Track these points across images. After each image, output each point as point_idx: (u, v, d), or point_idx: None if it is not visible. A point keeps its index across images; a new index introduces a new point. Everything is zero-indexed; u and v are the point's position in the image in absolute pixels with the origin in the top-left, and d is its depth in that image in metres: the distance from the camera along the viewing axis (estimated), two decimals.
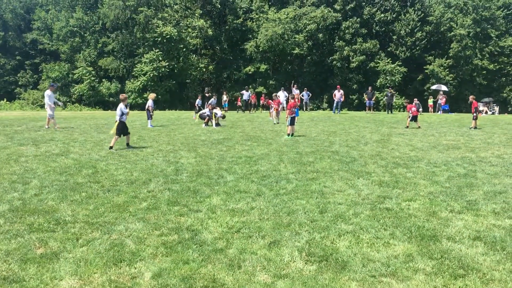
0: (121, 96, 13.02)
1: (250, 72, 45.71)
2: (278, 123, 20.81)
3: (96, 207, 6.63)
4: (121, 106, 12.42)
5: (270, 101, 26.87)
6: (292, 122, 15.59)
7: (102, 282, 4.22)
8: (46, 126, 17.82)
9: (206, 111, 20.00)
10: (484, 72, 45.57)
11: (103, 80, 46.62)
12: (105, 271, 4.45)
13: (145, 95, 41.88)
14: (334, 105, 31.42)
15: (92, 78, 45.07)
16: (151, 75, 42.13)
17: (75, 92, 45.15)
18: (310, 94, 34.09)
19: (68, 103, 45.71)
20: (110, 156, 11.08)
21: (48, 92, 18.42)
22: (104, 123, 20.82)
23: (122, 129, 12.48)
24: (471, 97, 20.85)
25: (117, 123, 12.38)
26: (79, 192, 7.49)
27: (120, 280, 4.28)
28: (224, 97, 34.57)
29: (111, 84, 46.04)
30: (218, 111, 19.93)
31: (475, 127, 19.18)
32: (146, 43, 44.37)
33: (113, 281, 4.25)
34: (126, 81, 45.22)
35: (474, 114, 19.79)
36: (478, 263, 4.71)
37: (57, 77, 46.24)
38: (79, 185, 7.97)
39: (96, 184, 8.11)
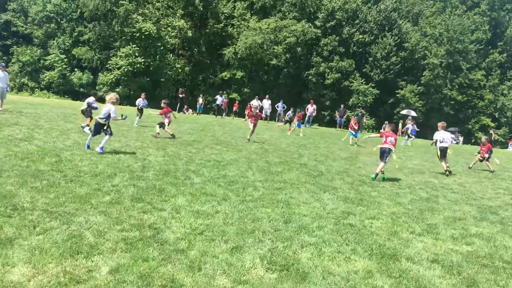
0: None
1: (226, 78, 45.67)
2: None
3: (56, 196, 6.43)
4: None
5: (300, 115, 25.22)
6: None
7: (56, 273, 4.08)
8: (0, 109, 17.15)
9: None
10: (452, 102, 47.01)
11: (75, 69, 45.66)
12: (61, 262, 4.31)
13: (117, 90, 41.25)
14: (306, 119, 31.73)
15: (64, 66, 44.07)
16: (126, 69, 41.50)
17: (45, 79, 44.02)
18: (285, 106, 34.29)
19: (36, 90, 44.57)
20: (76, 147, 10.81)
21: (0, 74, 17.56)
22: (71, 113, 20.32)
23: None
24: (484, 138, 17.14)
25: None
26: (40, 179, 7.25)
27: (76, 272, 4.15)
28: (200, 100, 34.54)
29: (83, 74, 45.14)
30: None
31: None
32: (123, 37, 43.73)
33: (68, 272, 4.11)
34: (99, 73, 44.44)
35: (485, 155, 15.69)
36: (435, 285, 4.79)
37: (28, 62, 45.04)
38: (41, 173, 7.72)
39: (59, 173, 7.87)
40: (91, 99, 15.19)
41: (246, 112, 33.70)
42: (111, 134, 10.81)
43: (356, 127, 20.94)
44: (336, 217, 7.05)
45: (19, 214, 5.50)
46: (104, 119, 10.68)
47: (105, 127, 10.68)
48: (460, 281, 4.99)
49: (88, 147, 10.64)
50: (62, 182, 7.28)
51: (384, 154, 11.16)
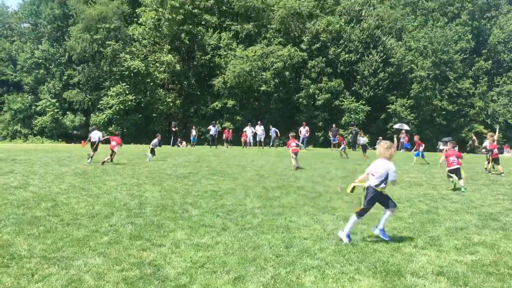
0: None
1: (217, 108, 45.91)
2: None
3: (54, 241, 6.37)
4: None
5: (342, 138, 24.92)
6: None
7: None
8: None
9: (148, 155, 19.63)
10: (444, 112, 47.31)
11: (67, 112, 45.88)
12: None
13: (110, 129, 41.34)
14: (300, 141, 31.80)
15: (56, 110, 44.29)
16: (117, 108, 41.72)
17: (37, 124, 44.15)
18: (277, 131, 34.48)
19: (30, 136, 44.64)
20: (71, 190, 10.76)
21: None
22: (66, 155, 20.29)
23: None
24: (489, 135, 17.10)
25: None
26: (36, 225, 7.19)
27: None
28: (193, 132, 34.75)
29: (75, 116, 45.34)
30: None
31: (489, 171, 16.34)
32: (112, 77, 44.11)
33: None
34: (91, 114, 44.63)
35: (486, 152, 16.35)
36: None
37: (19, 109, 45.25)
38: (37, 219, 7.66)
39: (55, 217, 7.82)
40: (97, 133, 18.72)
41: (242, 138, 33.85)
42: (395, 205, 7.06)
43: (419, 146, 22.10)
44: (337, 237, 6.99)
45: (17, 263, 5.43)
46: (384, 185, 6.87)
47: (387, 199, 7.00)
48: None
49: (349, 238, 6.75)
50: (59, 226, 7.22)
51: (454, 172, 12.32)
